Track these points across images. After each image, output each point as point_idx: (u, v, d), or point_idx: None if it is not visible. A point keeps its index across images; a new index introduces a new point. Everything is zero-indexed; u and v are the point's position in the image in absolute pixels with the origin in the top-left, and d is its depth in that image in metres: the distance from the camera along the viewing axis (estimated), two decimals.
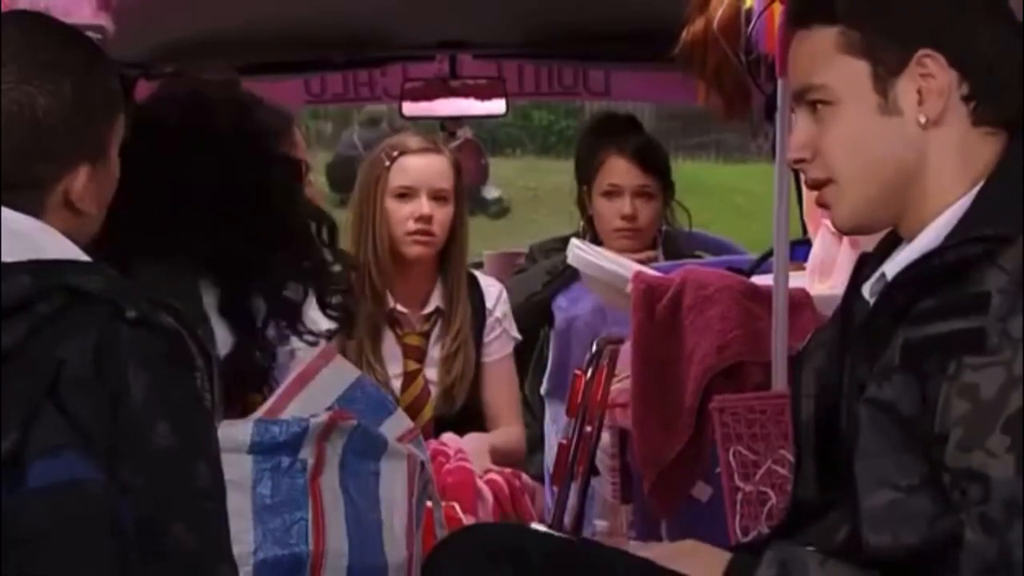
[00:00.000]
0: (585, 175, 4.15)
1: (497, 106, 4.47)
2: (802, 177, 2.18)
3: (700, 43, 3.38)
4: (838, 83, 1.96)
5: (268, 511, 2.20)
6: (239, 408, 2.62)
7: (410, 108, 4.47)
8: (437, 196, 3.72)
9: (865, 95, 1.96)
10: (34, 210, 1.89)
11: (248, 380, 2.65)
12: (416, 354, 3.77)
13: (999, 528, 1.78)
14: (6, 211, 1.88)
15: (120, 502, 1.73)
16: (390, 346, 3.76)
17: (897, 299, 1.90)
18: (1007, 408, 1.79)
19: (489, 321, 3.82)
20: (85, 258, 1.90)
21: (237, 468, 2.17)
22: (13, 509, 1.70)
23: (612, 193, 4.07)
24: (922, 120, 1.94)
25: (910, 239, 1.98)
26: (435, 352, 3.77)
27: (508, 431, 3.79)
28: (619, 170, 4.06)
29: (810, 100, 1.99)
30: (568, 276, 3.92)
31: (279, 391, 2.27)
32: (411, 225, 3.70)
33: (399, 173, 3.74)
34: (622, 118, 4.23)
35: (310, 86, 4.56)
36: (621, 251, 3.93)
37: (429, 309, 3.78)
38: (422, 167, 3.74)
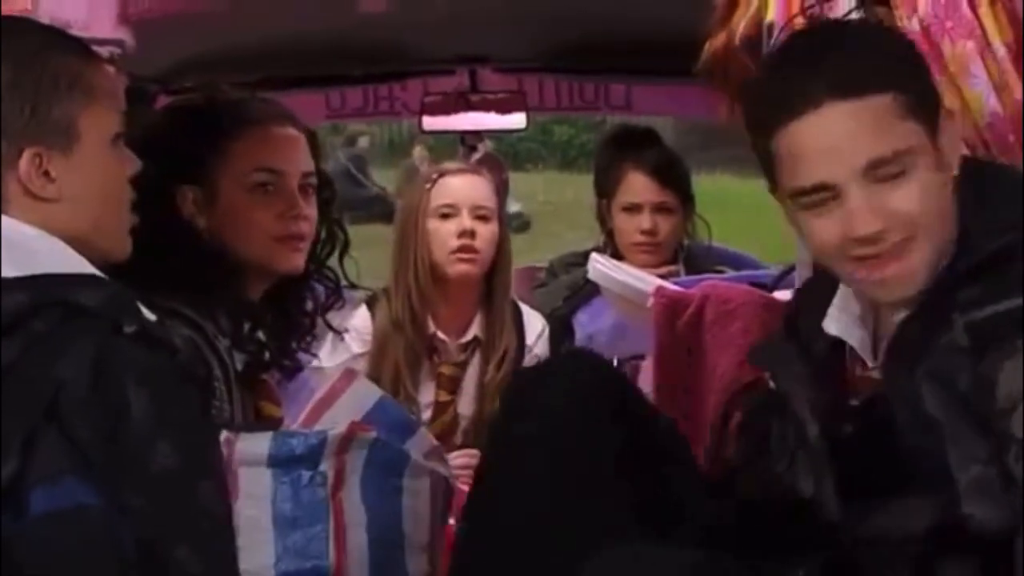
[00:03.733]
0: (604, 189, 4.14)
1: (518, 120, 4.46)
2: None
3: (722, 57, 3.36)
4: (907, 149, 1.98)
5: (288, 524, 2.19)
6: (253, 418, 2.63)
7: (430, 122, 4.46)
8: (479, 214, 3.71)
9: (928, 154, 2.00)
10: None
11: (259, 389, 2.65)
12: (449, 385, 3.75)
13: None
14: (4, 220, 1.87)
15: (122, 526, 1.69)
16: (423, 374, 3.74)
17: (942, 294, 1.96)
18: None
19: (527, 357, 3.80)
20: (85, 267, 1.88)
21: (256, 481, 2.16)
22: (15, 537, 1.67)
23: (631, 208, 4.05)
24: (956, 172, 2.03)
25: None
26: (470, 384, 3.75)
27: None
28: (638, 185, 4.05)
29: (884, 172, 1.99)
30: (588, 291, 3.90)
31: (302, 414, 2.26)
32: (454, 242, 3.68)
33: (441, 193, 3.73)
34: (641, 131, 4.21)
35: (330, 101, 4.55)
36: (641, 266, 3.91)
37: (467, 338, 3.76)
38: (463, 186, 3.74)
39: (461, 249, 3.67)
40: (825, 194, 2.00)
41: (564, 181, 16.19)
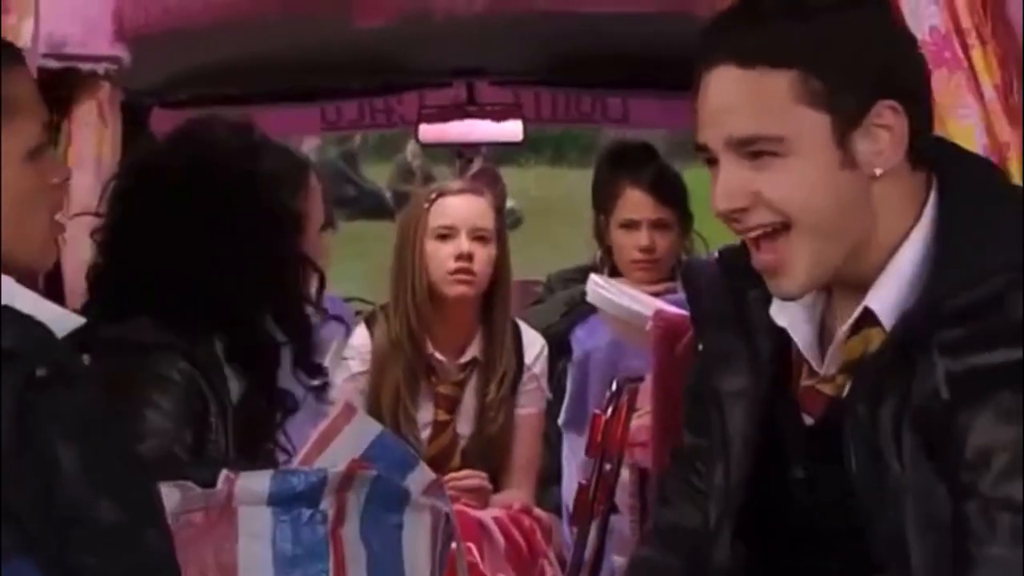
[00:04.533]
0: (602, 205, 4.13)
1: (514, 132, 4.45)
2: None
3: None
4: (796, 136, 1.82)
5: (289, 563, 2.17)
6: (251, 456, 2.61)
7: (426, 134, 4.45)
8: (478, 236, 3.69)
9: (824, 149, 1.82)
10: None
11: (257, 428, 2.64)
12: (448, 404, 3.73)
13: None
14: None
15: None
16: (422, 394, 3.73)
17: (920, 331, 1.81)
18: None
19: (525, 375, 3.78)
20: (15, 286, 1.78)
21: (256, 520, 2.14)
22: None
23: (629, 225, 4.05)
24: (877, 173, 1.84)
25: (859, 275, 1.89)
26: (468, 404, 3.74)
27: (513, 494, 3.76)
28: (636, 202, 4.04)
29: (755, 151, 1.83)
30: (586, 308, 3.90)
31: (302, 451, 2.24)
32: (452, 264, 3.66)
33: (439, 214, 3.71)
34: (638, 147, 4.20)
35: (326, 113, 4.56)
36: (639, 282, 3.92)
37: (466, 359, 3.74)
38: (462, 207, 3.72)
39: (459, 271, 3.66)
40: (707, 156, 1.87)
41: (556, 176, 16.15)
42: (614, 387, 3.42)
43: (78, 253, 3.11)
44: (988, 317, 1.78)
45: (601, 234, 4.15)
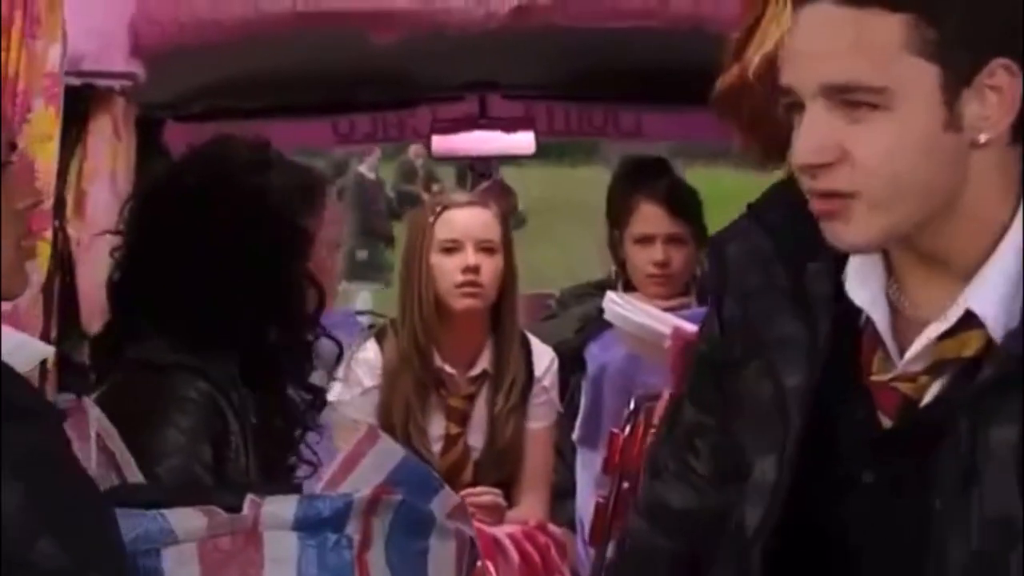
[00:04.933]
0: (616, 220, 4.13)
1: (527, 145, 4.45)
2: None
3: (735, 91, 3.35)
4: (901, 88, 1.63)
5: None
6: (272, 474, 2.61)
7: (439, 147, 4.45)
8: (484, 248, 3.67)
9: (932, 106, 1.64)
10: None
11: (277, 445, 2.64)
12: (458, 417, 3.73)
13: None
14: None
15: None
16: (432, 407, 3.72)
17: None
18: None
19: (535, 388, 3.78)
20: None
21: (282, 545, 2.14)
22: None
23: (644, 240, 4.04)
24: (982, 139, 1.66)
25: (951, 258, 1.71)
26: (479, 417, 3.73)
27: (528, 510, 3.75)
28: (651, 217, 4.03)
29: (854, 100, 1.63)
30: (601, 323, 3.89)
31: (326, 477, 2.24)
32: (458, 277, 3.65)
33: (444, 227, 3.70)
34: (652, 162, 4.20)
35: (338, 127, 4.55)
36: (654, 297, 3.91)
37: (476, 371, 3.73)
38: (467, 219, 3.70)
39: (465, 284, 3.65)
40: (792, 99, 1.67)
41: (558, 175, 16.18)
42: (632, 405, 3.42)
43: (95, 271, 3.12)
44: None
45: (615, 248, 4.15)
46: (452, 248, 3.67)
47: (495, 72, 4.29)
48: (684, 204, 4.06)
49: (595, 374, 3.99)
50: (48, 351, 1.83)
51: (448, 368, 3.71)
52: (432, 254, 3.68)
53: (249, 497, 2.12)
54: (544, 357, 3.81)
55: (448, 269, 3.66)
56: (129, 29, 3.48)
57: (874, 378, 1.74)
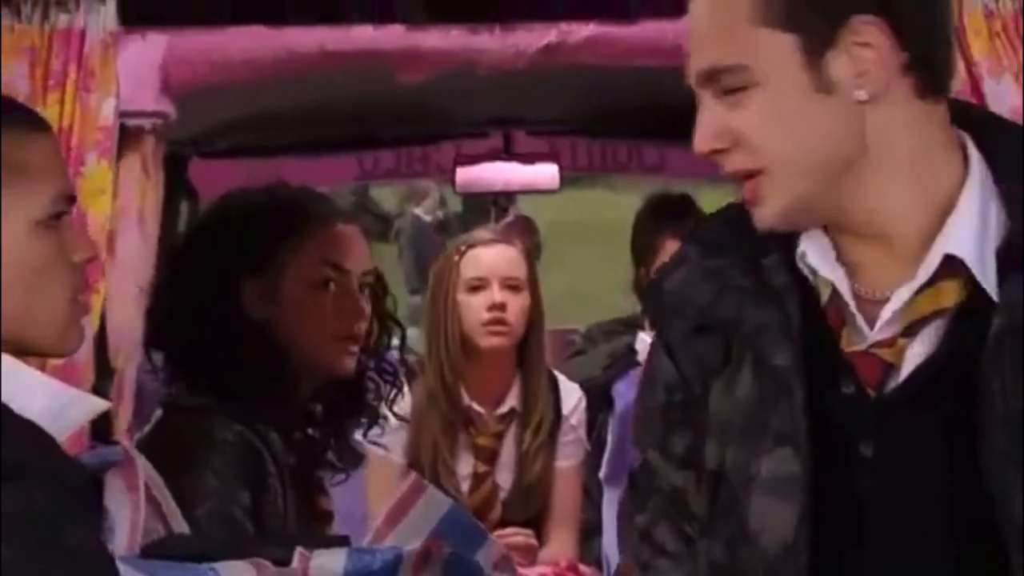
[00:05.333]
0: (642, 258, 4.12)
1: (551, 180, 4.45)
2: None
3: None
4: (760, 63, 1.65)
5: None
6: (307, 513, 2.61)
7: (463, 182, 4.45)
8: (509, 285, 3.68)
9: (793, 74, 1.66)
10: None
11: (311, 483, 2.64)
12: (487, 456, 3.73)
13: None
14: None
15: None
16: (461, 446, 3.73)
17: None
18: None
19: (564, 426, 3.78)
20: (21, 367, 1.69)
21: None
22: None
23: None
24: (862, 96, 1.66)
25: (870, 221, 1.71)
26: (507, 455, 3.73)
27: (558, 549, 3.73)
28: None
29: (725, 86, 1.67)
30: (629, 360, 3.89)
31: (374, 527, 2.24)
32: (485, 315, 3.66)
33: (470, 265, 3.71)
34: (677, 199, 4.19)
35: (363, 163, 4.55)
36: None
37: (504, 409, 3.74)
38: (492, 257, 3.72)
39: (492, 322, 3.65)
40: (696, 91, 1.73)
41: (570, 200, 16.18)
42: None
43: (123, 308, 3.11)
44: None
45: (641, 286, 4.13)
46: (478, 286, 3.68)
47: (520, 108, 4.29)
48: None
49: (623, 412, 3.98)
50: (104, 405, 1.81)
51: (476, 406, 3.71)
52: (458, 293, 3.68)
53: (298, 550, 2.12)
54: (572, 395, 3.81)
55: (474, 307, 3.66)
56: (160, 68, 3.48)
57: (850, 349, 1.74)
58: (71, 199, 1.85)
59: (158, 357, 2.73)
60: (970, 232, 1.69)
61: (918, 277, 1.70)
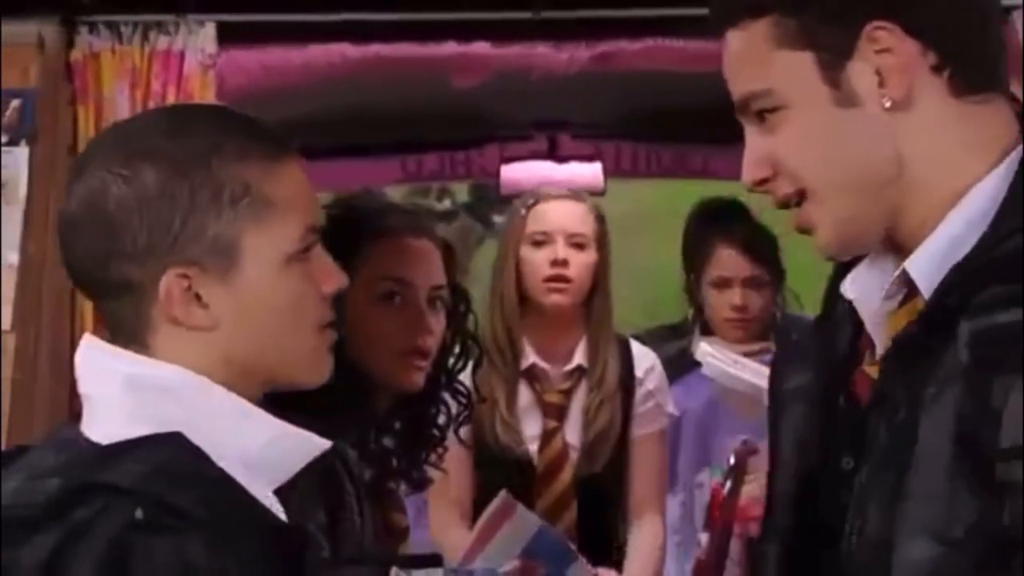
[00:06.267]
0: (693, 264, 4.08)
1: (595, 183, 4.42)
2: None
3: None
4: (782, 83, 1.66)
5: None
6: (383, 530, 2.60)
7: (507, 185, 4.43)
8: (574, 242, 3.57)
9: (816, 91, 1.65)
10: (138, 323, 1.64)
11: (386, 499, 2.63)
12: (556, 412, 3.59)
13: None
14: (133, 357, 1.62)
15: None
16: (528, 404, 3.60)
17: (955, 294, 1.58)
18: None
19: (640, 392, 3.64)
20: (232, 403, 1.64)
21: None
22: None
23: (721, 284, 3.99)
24: (887, 104, 1.64)
25: (914, 235, 1.67)
26: (576, 412, 3.60)
27: (644, 543, 3.66)
28: (728, 261, 3.98)
29: (755, 111, 1.68)
30: (679, 367, 3.86)
31: (465, 547, 2.23)
32: (547, 271, 3.54)
33: (535, 220, 3.60)
34: (728, 204, 4.14)
35: (406, 165, 4.54)
36: (733, 341, 3.88)
37: (571, 366, 3.60)
38: (558, 212, 3.60)
39: (553, 279, 3.55)
40: (742, 122, 1.74)
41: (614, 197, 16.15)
42: (732, 460, 3.38)
43: None
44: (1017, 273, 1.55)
45: (692, 293, 4.11)
46: (542, 241, 3.59)
47: (565, 112, 4.28)
48: (762, 247, 4.01)
49: (678, 416, 3.95)
50: (326, 445, 1.77)
51: (542, 363, 3.62)
52: (523, 247, 3.62)
53: (394, 571, 2.12)
54: (646, 359, 3.69)
55: (537, 262, 3.56)
56: (216, 73, 3.48)
57: (864, 367, 1.76)
58: (319, 230, 1.74)
59: None
60: (935, 249, 1.65)
61: (886, 292, 1.70)
